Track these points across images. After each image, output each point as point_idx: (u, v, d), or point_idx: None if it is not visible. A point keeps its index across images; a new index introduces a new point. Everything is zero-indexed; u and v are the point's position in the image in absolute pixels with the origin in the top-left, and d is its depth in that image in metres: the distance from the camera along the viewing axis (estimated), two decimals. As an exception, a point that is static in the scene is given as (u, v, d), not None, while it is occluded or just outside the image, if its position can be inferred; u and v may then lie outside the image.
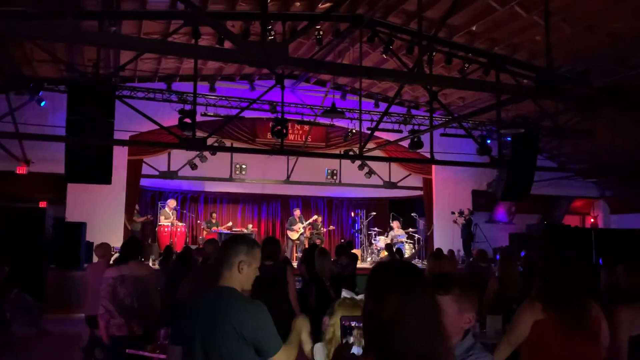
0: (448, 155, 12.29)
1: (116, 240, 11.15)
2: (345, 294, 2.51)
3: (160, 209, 13.49)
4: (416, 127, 12.62)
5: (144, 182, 13.42)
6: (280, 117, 10.20)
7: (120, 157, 11.79)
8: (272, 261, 4.85)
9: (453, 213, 13.73)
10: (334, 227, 15.83)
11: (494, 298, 4.94)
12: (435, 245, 13.29)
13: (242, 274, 2.54)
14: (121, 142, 10.15)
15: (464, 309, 2.09)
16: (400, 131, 12.68)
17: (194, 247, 9.78)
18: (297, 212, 14.40)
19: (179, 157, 13.26)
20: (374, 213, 15.34)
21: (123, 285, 4.51)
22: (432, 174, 14.60)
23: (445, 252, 9.55)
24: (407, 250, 13.53)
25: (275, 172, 14.78)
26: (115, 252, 10.74)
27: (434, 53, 9.65)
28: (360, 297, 2.63)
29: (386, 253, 12.58)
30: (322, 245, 14.15)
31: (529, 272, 5.51)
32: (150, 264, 11.27)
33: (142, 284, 4.57)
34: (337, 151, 14.48)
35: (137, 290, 4.53)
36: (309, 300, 5.46)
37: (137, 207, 12.74)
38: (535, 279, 2.80)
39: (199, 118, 10.08)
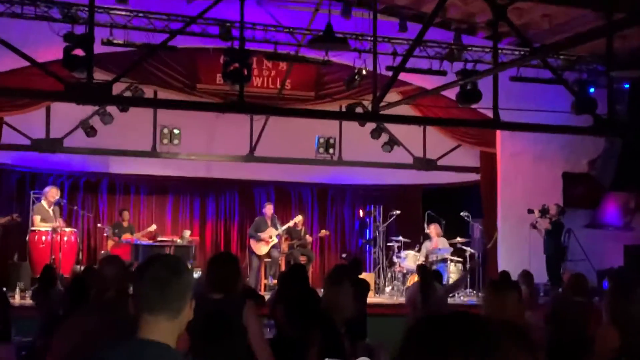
0: (523, 113, 12.28)
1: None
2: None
3: (34, 203, 13.44)
4: (470, 67, 12.61)
5: (5, 157, 13.34)
6: (238, 47, 10.13)
7: (-36, 115, 11.71)
8: (223, 293, 4.87)
9: (531, 212, 13.79)
10: (328, 232, 15.88)
11: (612, 356, 4.95)
12: (501, 266, 13.33)
13: (183, 320, 2.58)
14: (-35, 90, 10.05)
15: None
16: (443, 72, 12.66)
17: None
18: (269, 209, 14.41)
19: (66, 116, 13.19)
20: (398, 212, 15.37)
21: None
22: (497, 146, 14.64)
23: (515, 277, 9.62)
24: (453, 274, 13.61)
25: (229, 141, 14.71)
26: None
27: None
28: None
29: (417, 279, 12.63)
30: (312, 264, 14.31)
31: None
32: (18, 296, 11.27)
33: None
34: (335, 107, 14.45)
35: None
36: (306, 356, 5.50)
37: (-7, 200, 12.69)
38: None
39: (98, 49, 9.96)
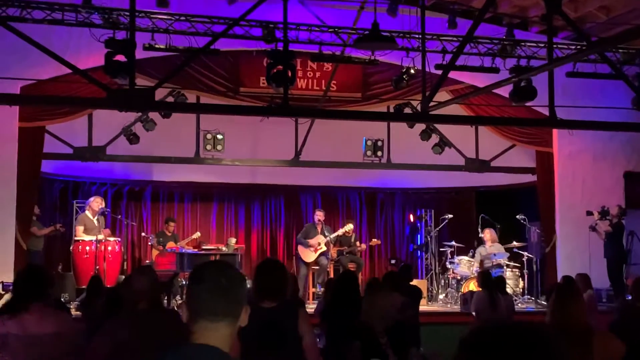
0: (581, 111, 12.10)
1: (2, 269, 11.26)
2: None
3: (77, 213, 13.64)
4: (523, 63, 12.48)
5: (47, 166, 13.56)
6: (282, 49, 10.16)
7: (6, 124, 11.90)
8: (275, 301, 4.89)
9: (590, 214, 13.60)
10: (379, 242, 15.86)
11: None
12: (561, 271, 13.16)
13: (237, 327, 2.62)
14: (7, 99, 10.23)
15: None
16: (495, 69, 12.55)
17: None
18: (320, 215, 14.38)
19: (108, 123, 13.36)
20: (450, 216, 15.30)
21: (6, 354, 4.49)
22: (554, 145, 14.46)
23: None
24: (509, 280, 13.48)
25: (274, 146, 14.75)
26: (4, 292, 10.88)
27: None
28: None
29: (472, 287, 12.55)
30: (361, 273, 14.27)
31: None
32: (63, 308, 11.44)
33: (50, 352, 4.55)
34: (382, 108, 14.40)
35: None
36: None
37: (36, 210, 12.89)
38: None
39: (140, 54, 10.08)
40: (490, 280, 9.77)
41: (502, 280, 10.19)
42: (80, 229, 13.07)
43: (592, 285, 10.35)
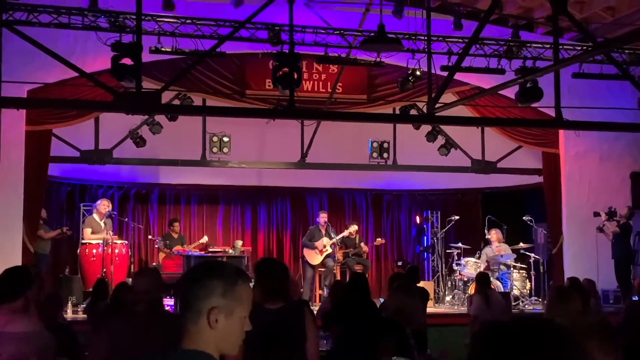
0: (587, 111, 12.09)
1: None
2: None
3: (84, 216, 13.68)
4: (529, 64, 12.48)
5: (54, 169, 13.60)
6: (287, 51, 10.18)
7: (13, 128, 11.94)
8: (279, 302, 4.88)
9: (597, 215, 13.59)
10: (383, 241, 15.85)
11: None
12: (567, 273, 13.15)
13: (216, 330, 2.50)
14: (14, 102, 10.27)
15: None
16: (501, 71, 12.56)
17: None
18: (324, 217, 14.43)
19: (115, 127, 13.41)
20: (456, 217, 15.30)
21: None
22: (560, 146, 14.46)
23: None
24: (517, 281, 13.48)
25: (280, 148, 14.77)
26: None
27: None
28: None
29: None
30: (367, 274, 14.26)
31: None
32: (70, 310, 11.49)
33: (21, 350, 4.66)
34: (388, 109, 14.40)
35: None
36: None
37: (43, 213, 12.93)
38: None
39: (146, 57, 10.12)
40: (482, 282, 9.96)
41: (486, 277, 10.37)
42: (87, 231, 13.16)
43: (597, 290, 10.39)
